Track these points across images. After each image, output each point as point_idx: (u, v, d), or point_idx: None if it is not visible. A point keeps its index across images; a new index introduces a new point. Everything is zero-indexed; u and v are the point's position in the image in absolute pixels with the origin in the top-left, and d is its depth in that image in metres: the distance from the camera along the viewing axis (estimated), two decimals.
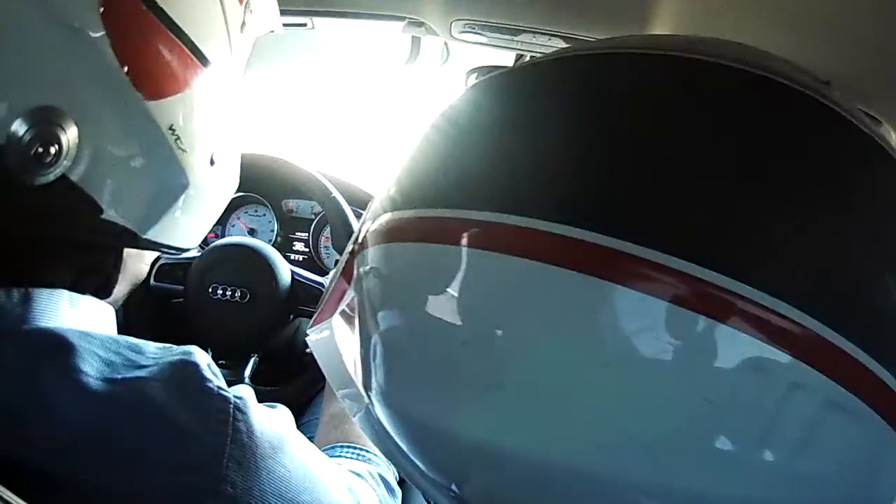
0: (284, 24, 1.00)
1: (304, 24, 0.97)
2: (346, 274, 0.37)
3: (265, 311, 0.98)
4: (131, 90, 0.44)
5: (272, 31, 0.62)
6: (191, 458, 0.43)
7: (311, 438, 0.57)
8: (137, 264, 0.54)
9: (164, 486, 0.42)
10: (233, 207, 1.30)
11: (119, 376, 0.42)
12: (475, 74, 1.05)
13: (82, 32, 0.42)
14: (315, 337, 0.41)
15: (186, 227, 0.52)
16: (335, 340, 0.40)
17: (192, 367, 0.45)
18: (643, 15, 0.81)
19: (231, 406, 0.45)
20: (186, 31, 0.46)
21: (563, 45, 0.92)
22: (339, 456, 0.63)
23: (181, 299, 1.00)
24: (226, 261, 0.99)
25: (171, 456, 0.42)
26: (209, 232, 1.36)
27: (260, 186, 1.27)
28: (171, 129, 0.46)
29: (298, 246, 1.30)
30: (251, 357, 0.99)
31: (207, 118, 0.50)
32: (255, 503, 0.45)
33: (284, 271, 0.99)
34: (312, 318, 0.44)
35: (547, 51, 1.01)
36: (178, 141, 0.47)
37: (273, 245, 1.03)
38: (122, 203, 0.45)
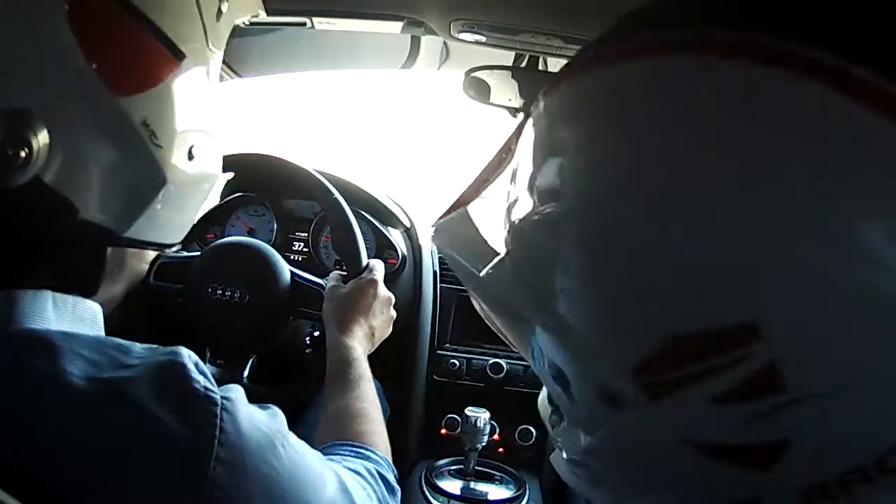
0: (284, 24, 1.00)
1: (304, 24, 0.97)
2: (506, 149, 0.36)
3: (264, 311, 0.97)
4: (101, 88, 0.43)
5: (257, 17, 0.60)
6: (176, 460, 0.42)
7: (310, 438, 0.56)
8: (137, 263, 0.54)
9: (149, 487, 0.42)
10: (233, 207, 1.30)
11: (104, 376, 0.42)
12: (475, 74, 1.05)
13: (47, 32, 0.41)
14: (443, 223, 0.41)
15: (168, 223, 0.51)
16: (471, 220, 0.40)
17: (178, 367, 0.44)
18: None
19: (218, 406, 0.44)
20: (158, 25, 0.46)
21: (563, 44, 0.92)
22: (338, 454, 0.63)
23: (180, 299, 1.00)
24: (225, 260, 0.99)
25: (156, 457, 0.42)
26: (208, 232, 1.37)
27: (260, 186, 1.27)
28: (145, 125, 0.45)
29: (298, 246, 1.30)
30: (250, 357, 0.99)
31: (184, 112, 0.49)
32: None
33: (284, 271, 0.99)
34: (444, 211, 0.44)
35: (546, 50, 1.01)
36: (153, 137, 0.46)
37: (272, 245, 1.03)
38: (98, 202, 0.45)
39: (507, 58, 1.05)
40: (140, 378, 0.43)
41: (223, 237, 1.18)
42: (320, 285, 0.98)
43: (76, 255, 0.48)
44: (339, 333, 0.82)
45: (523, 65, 1.04)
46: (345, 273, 0.95)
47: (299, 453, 0.50)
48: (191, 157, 0.50)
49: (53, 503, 0.40)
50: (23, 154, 0.40)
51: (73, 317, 0.47)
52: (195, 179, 0.52)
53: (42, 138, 0.41)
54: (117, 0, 0.44)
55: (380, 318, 0.88)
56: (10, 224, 0.43)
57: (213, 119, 0.53)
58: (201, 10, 0.50)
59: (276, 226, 1.28)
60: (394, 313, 0.92)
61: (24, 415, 0.40)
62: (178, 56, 0.47)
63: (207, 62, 0.52)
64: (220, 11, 0.53)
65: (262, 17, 0.62)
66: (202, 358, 0.48)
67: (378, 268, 0.93)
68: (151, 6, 0.45)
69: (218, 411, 0.44)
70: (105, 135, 0.44)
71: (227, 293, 0.97)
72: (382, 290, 0.90)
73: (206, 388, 0.45)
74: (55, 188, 0.43)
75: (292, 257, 1.29)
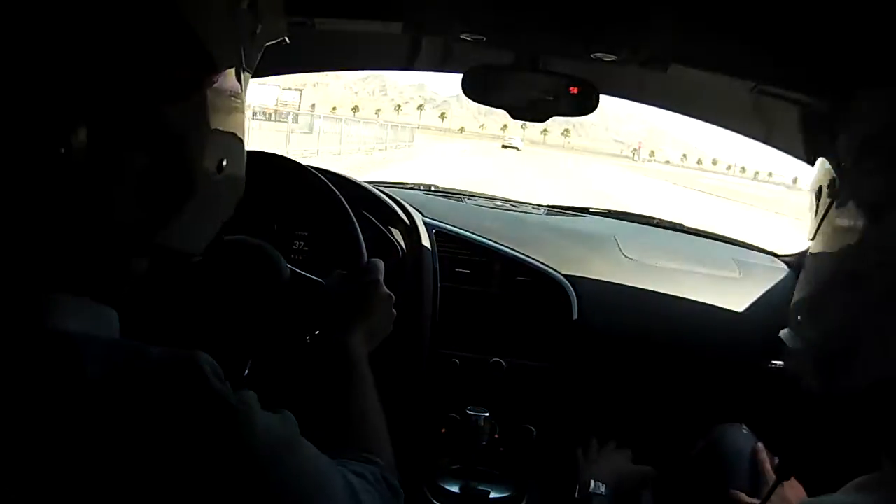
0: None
1: (304, 24, 0.97)
2: None
3: (264, 311, 0.98)
4: (141, 96, 0.44)
5: (282, 40, 0.62)
6: (193, 463, 0.43)
7: (310, 440, 0.57)
8: (139, 262, 0.54)
9: (167, 489, 0.42)
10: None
11: (124, 379, 0.43)
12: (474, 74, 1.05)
13: (88, 36, 0.42)
14: None
15: (193, 233, 0.52)
16: None
17: (195, 371, 0.45)
18: (641, 16, 0.81)
19: (235, 411, 0.45)
20: (199, 38, 0.47)
21: (563, 44, 0.92)
22: (344, 458, 0.63)
23: (179, 297, 1.00)
24: (225, 260, 0.99)
25: (174, 461, 0.42)
26: None
27: (260, 185, 1.27)
28: (179, 136, 0.47)
29: (298, 245, 1.30)
30: (249, 357, 0.99)
31: (217, 125, 0.50)
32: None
33: (284, 270, 0.99)
34: None
35: (546, 50, 1.01)
36: (187, 148, 0.47)
37: (272, 244, 1.03)
38: (128, 208, 0.46)
39: (508, 58, 1.05)
40: (157, 381, 0.43)
41: (223, 236, 1.18)
42: (321, 284, 0.98)
43: (101, 260, 0.48)
44: (339, 334, 0.82)
45: (523, 65, 1.04)
46: (345, 272, 0.96)
47: (311, 459, 0.51)
48: (220, 169, 0.51)
49: (68, 499, 0.40)
50: (61, 153, 0.41)
51: (92, 320, 0.47)
52: (222, 191, 0.54)
53: (80, 138, 0.42)
54: (160, 10, 0.44)
55: (380, 318, 0.88)
56: (38, 226, 0.44)
57: (242, 135, 0.55)
58: (239, 30, 0.52)
59: (276, 225, 1.28)
60: (394, 313, 0.92)
61: (45, 413, 0.41)
62: (215, 70, 0.49)
63: (240, 79, 0.53)
64: (254, 33, 0.54)
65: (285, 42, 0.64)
66: None
67: (379, 267, 0.93)
68: (194, 19, 0.46)
69: (234, 415, 0.45)
70: (141, 141, 0.45)
71: (227, 292, 0.97)
72: (383, 290, 0.90)
73: (223, 392, 0.45)
74: (88, 192, 0.43)
75: (292, 257, 1.29)
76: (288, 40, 0.65)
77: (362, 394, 0.75)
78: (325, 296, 0.92)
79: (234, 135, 0.53)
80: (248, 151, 1.10)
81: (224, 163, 0.52)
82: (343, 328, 0.83)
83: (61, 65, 0.42)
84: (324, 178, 1.04)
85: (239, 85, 0.53)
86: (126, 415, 0.42)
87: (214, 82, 0.49)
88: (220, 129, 0.51)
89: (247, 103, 0.56)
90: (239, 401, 0.46)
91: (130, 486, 0.41)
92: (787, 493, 0.89)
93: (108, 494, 0.41)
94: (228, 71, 0.51)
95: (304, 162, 1.07)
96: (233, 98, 0.52)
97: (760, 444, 1.04)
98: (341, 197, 1.03)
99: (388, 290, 0.91)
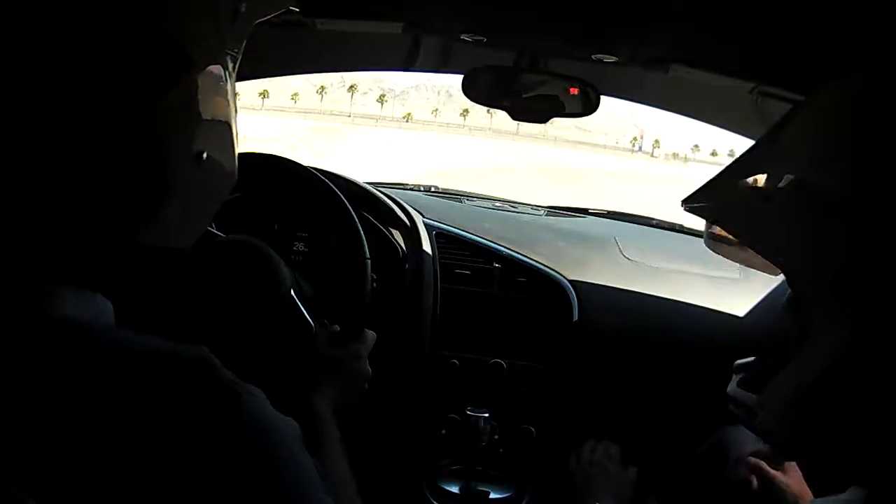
0: (284, 25, 1.00)
1: (305, 24, 0.97)
2: None
3: (263, 312, 0.97)
4: (111, 93, 0.43)
5: (283, 13, 0.60)
6: (199, 449, 0.43)
7: None
8: (132, 257, 0.54)
9: (173, 473, 0.42)
10: (232, 206, 1.29)
11: (131, 366, 0.43)
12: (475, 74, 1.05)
13: (58, 33, 0.41)
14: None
15: (178, 228, 0.51)
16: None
17: (203, 360, 0.46)
18: (642, 17, 0.81)
19: (242, 400, 0.45)
20: (170, 28, 0.45)
21: (563, 44, 0.92)
22: None
23: (178, 297, 1.00)
24: (224, 260, 0.99)
25: (181, 445, 0.43)
26: (208, 231, 1.35)
27: (260, 186, 1.27)
28: (154, 130, 0.45)
29: (298, 246, 1.30)
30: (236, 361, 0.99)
31: (194, 116, 0.49)
32: (262, 497, 0.45)
33: (283, 271, 0.99)
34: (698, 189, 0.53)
35: (546, 50, 1.01)
36: (163, 141, 0.46)
37: (272, 244, 1.03)
38: (108, 207, 0.45)
39: (508, 58, 1.05)
40: (166, 368, 0.44)
41: (223, 236, 1.17)
42: (310, 329, 0.95)
43: (90, 257, 0.48)
44: (308, 390, 0.82)
45: (523, 65, 1.04)
46: (337, 328, 0.95)
47: (305, 465, 0.50)
48: (199, 161, 0.49)
49: (78, 480, 0.40)
50: (32, 149, 0.41)
51: (92, 310, 0.48)
52: (206, 183, 0.52)
53: (47, 134, 0.42)
54: (128, 3, 0.44)
55: (350, 390, 0.87)
56: (29, 225, 0.44)
57: (225, 122, 0.52)
58: (217, 14, 0.50)
59: (276, 225, 1.28)
60: (366, 388, 0.90)
61: (56, 401, 0.41)
62: (190, 60, 0.47)
63: (222, 63, 0.51)
64: (236, 13, 0.52)
65: (293, 12, 0.61)
66: None
67: (368, 340, 0.92)
68: (163, 9, 0.45)
69: (242, 403, 0.45)
70: (114, 139, 0.44)
71: (227, 293, 0.96)
72: (365, 366, 0.89)
73: (230, 380, 0.46)
74: (67, 192, 0.43)
75: (292, 257, 1.29)
76: (296, 9, 0.62)
77: (327, 452, 0.74)
78: (309, 345, 0.90)
79: (217, 124, 0.51)
80: (248, 153, 1.10)
81: (204, 155, 0.50)
82: (313, 385, 0.82)
83: (32, 59, 0.41)
84: (325, 179, 1.04)
85: (221, 70, 0.51)
86: (133, 398, 0.42)
87: (189, 70, 0.47)
88: (200, 119, 0.49)
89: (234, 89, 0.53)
90: (247, 390, 0.46)
91: (136, 472, 0.41)
92: (790, 481, 0.89)
93: (114, 479, 0.41)
94: (206, 57, 0.49)
95: (304, 162, 1.07)
96: (213, 85, 0.50)
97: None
98: (343, 198, 1.02)
99: (368, 368, 0.90)
